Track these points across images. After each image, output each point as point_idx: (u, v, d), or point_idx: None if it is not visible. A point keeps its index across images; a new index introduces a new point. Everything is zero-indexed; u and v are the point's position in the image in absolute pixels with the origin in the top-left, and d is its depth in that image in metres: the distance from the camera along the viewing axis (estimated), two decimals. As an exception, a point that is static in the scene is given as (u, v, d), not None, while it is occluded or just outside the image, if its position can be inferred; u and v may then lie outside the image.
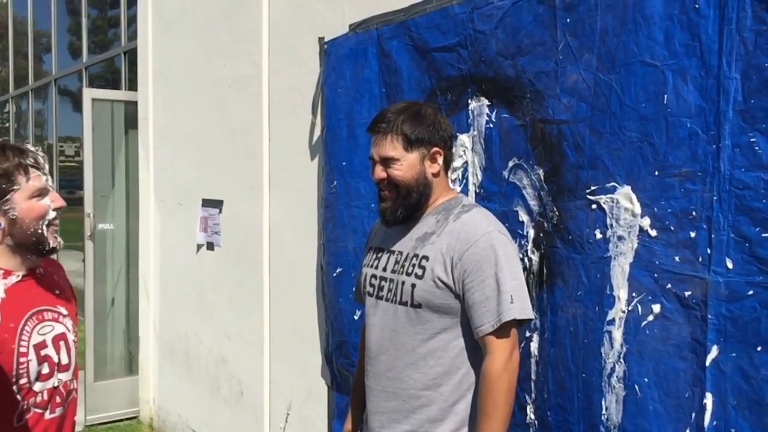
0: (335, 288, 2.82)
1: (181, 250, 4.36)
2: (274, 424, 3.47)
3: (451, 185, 2.26)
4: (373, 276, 1.88)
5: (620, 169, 1.76)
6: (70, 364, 1.75)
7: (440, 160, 1.81)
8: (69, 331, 1.77)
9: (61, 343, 1.72)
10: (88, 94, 4.89)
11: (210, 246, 4.04)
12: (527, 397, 2.02)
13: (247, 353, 3.67)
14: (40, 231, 1.65)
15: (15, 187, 1.61)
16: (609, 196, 1.78)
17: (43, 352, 1.67)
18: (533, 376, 2.01)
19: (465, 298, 1.69)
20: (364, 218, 2.66)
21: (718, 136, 1.56)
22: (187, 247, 4.27)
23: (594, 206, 1.82)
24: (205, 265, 4.10)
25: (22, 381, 1.63)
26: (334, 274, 2.82)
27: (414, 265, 1.76)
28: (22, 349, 1.63)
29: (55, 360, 1.70)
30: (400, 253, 1.82)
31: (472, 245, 1.69)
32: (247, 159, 3.62)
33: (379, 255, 1.89)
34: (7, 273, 1.67)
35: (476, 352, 1.73)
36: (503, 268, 1.67)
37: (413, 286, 1.74)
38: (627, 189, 1.75)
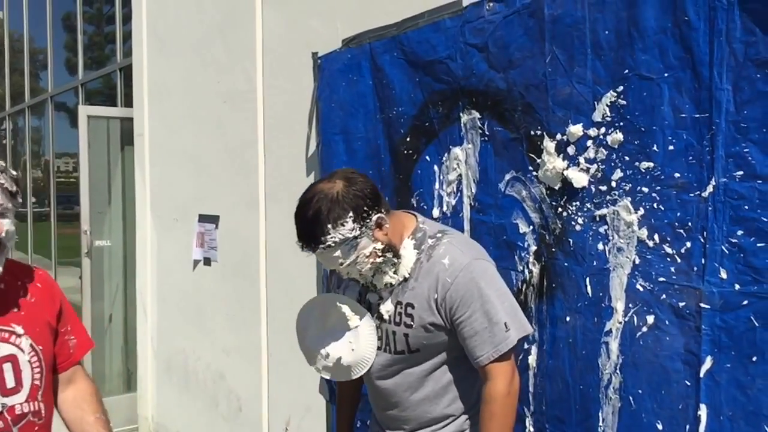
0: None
1: (178, 265, 4.35)
2: (273, 440, 3.45)
3: (446, 197, 2.27)
4: None
5: (621, 180, 1.76)
6: (20, 388, 1.64)
7: (382, 220, 1.67)
8: (22, 351, 1.66)
9: (7, 365, 1.62)
10: (84, 111, 4.91)
11: (207, 261, 4.03)
12: (525, 409, 2.01)
13: (245, 369, 3.65)
14: None
15: None
16: (611, 208, 1.78)
17: None
18: (531, 389, 2.00)
19: (458, 332, 1.68)
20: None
21: (711, 146, 1.57)
22: (184, 262, 4.26)
23: (597, 218, 1.82)
24: (203, 281, 4.09)
25: None
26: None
27: (401, 314, 1.73)
28: None
29: None
30: (382, 299, 1.77)
31: (453, 284, 1.65)
32: (243, 174, 3.62)
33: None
34: None
35: (476, 373, 1.73)
36: (489, 298, 1.64)
37: (406, 335, 1.73)
38: (626, 201, 1.74)
